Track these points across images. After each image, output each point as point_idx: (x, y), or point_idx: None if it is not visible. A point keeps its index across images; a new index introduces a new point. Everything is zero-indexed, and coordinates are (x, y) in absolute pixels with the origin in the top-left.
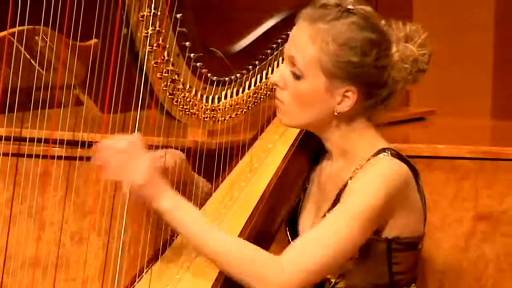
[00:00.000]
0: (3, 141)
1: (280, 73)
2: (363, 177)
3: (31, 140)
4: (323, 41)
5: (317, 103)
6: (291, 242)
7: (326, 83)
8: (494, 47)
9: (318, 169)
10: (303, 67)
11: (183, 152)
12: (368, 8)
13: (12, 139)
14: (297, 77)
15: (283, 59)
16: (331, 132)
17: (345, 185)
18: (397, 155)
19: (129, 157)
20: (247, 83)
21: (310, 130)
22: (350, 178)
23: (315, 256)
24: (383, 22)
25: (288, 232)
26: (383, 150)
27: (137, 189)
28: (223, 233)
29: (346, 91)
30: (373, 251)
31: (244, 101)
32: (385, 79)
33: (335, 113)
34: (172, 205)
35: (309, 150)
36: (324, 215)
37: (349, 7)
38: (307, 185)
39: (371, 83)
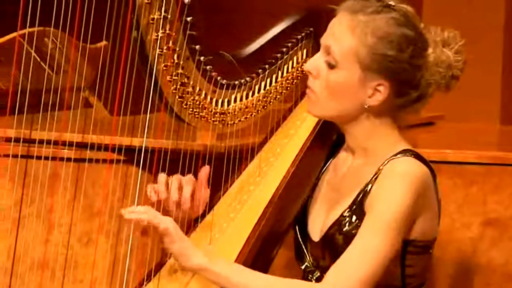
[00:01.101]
0: (12, 142)
1: (314, 62)
2: (387, 182)
3: (40, 142)
4: (362, 32)
5: (349, 94)
6: (300, 242)
7: (360, 75)
8: (504, 52)
9: (331, 169)
10: (339, 56)
11: (192, 155)
12: (409, 8)
13: (21, 141)
14: (331, 66)
15: (292, 63)
16: (356, 126)
17: (366, 186)
18: (418, 157)
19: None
20: (256, 87)
21: (336, 122)
22: (372, 180)
23: (359, 276)
24: (422, 25)
25: (297, 232)
26: (404, 151)
27: (167, 246)
28: (261, 274)
29: (379, 84)
30: None
31: (254, 105)
32: (418, 79)
33: (365, 106)
34: (205, 261)
35: (319, 153)
36: (343, 215)
37: (391, 3)
38: (317, 183)
39: (404, 80)
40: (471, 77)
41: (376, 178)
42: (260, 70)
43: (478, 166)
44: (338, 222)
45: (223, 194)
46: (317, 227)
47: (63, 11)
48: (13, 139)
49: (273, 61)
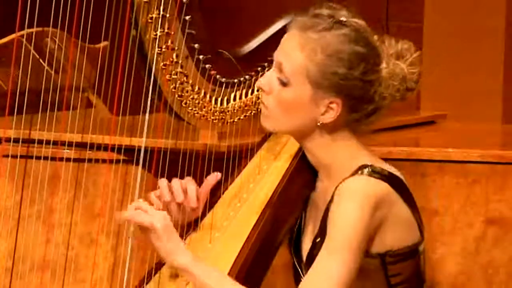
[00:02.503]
0: (12, 143)
1: (267, 78)
2: (339, 204)
3: (40, 142)
4: (311, 50)
5: (301, 112)
6: (296, 265)
7: (311, 93)
8: (505, 51)
9: (316, 188)
10: (290, 74)
11: (192, 155)
12: (361, 22)
13: (21, 141)
14: (283, 83)
15: None
16: (312, 142)
17: (327, 206)
18: (376, 172)
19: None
20: (256, 85)
21: (293, 137)
22: (330, 200)
23: None
24: (375, 37)
25: (292, 254)
26: (364, 166)
27: (153, 242)
28: (236, 284)
29: (331, 102)
30: (367, 269)
31: (253, 103)
32: (372, 94)
33: (318, 124)
34: (188, 262)
35: None
36: (316, 237)
37: (342, 19)
38: (307, 203)
39: (357, 96)
40: (473, 77)
41: (332, 199)
42: (259, 68)
43: (481, 165)
44: (315, 243)
45: (223, 193)
46: (307, 247)
47: (62, 11)
48: (12, 139)
49: (272, 59)
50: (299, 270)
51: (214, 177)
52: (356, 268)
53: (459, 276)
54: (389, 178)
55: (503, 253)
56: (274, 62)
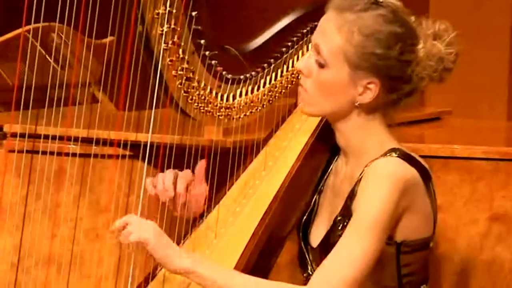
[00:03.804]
0: (18, 138)
1: (305, 61)
2: (368, 184)
3: (46, 137)
4: (349, 31)
5: (339, 93)
6: (304, 249)
7: (350, 74)
8: (510, 49)
9: (333, 174)
10: (328, 56)
11: (198, 151)
12: (397, 3)
13: (27, 136)
14: (321, 65)
15: (298, 58)
16: (347, 123)
17: (353, 188)
18: (406, 157)
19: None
20: (262, 81)
21: (329, 120)
22: (358, 181)
23: (342, 278)
24: (412, 18)
25: (301, 239)
26: (392, 150)
27: (151, 252)
28: (245, 276)
29: (369, 83)
30: (381, 256)
31: (259, 99)
32: (409, 75)
33: (356, 104)
34: (190, 263)
35: (324, 149)
36: (337, 219)
37: None
38: (322, 189)
39: (395, 77)
40: (478, 73)
41: (361, 179)
42: (265, 65)
43: (486, 162)
44: (334, 227)
45: (228, 189)
46: (319, 233)
47: (68, 6)
48: (18, 134)
49: (279, 55)
50: (306, 255)
51: (200, 166)
52: (379, 250)
53: (462, 272)
54: (417, 165)
55: (507, 250)
56: (311, 45)
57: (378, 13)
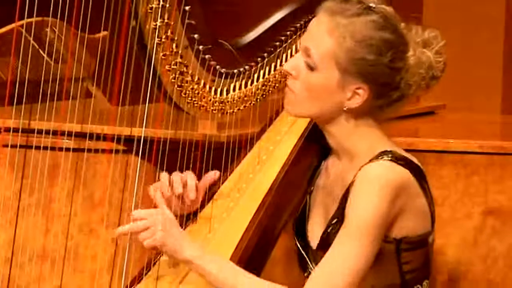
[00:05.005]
0: (11, 132)
1: (293, 62)
2: (360, 188)
3: (40, 132)
4: (340, 36)
5: (327, 96)
6: (301, 250)
7: (339, 78)
8: (505, 42)
9: (324, 173)
10: (318, 59)
11: (192, 145)
12: (389, 9)
13: (20, 131)
14: (311, 68)
15: (291, 52)
16: (335, 126)
17: (346, 190)
18: (398, 159)
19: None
20: (255, 76)
21: (317, 122)
22: (351, 184)
23: (335, 283)
24: (402, 25)
25: (297, 241)
26: (384, 153)
27: (158, 243)
28: (247, 274)
29: (358, 88)
30: (382, 254)
31: (253, 93)
32: (398, 82)
33: (344, 108)
34: (195, 254)
35: (317, 144)
36: (333, 219)
37: (371, 5)
38: (312, 189)
39: (384, 83)
40: (472, 67)
41: (353, 183)
42: (259, 59)
43: (481, 156)
44: (331, 228)
45: (222, 183)
46: (316, 234)
47: (62, 1)
48: (12, 129)
49: (272, 49)
50: (305, 255)
51: (213, 175)
52: (373, 254)
53: (457, 266)
54: (410, 166)
55: (502, 243)
56: (300, 47)
57: (370, 19)
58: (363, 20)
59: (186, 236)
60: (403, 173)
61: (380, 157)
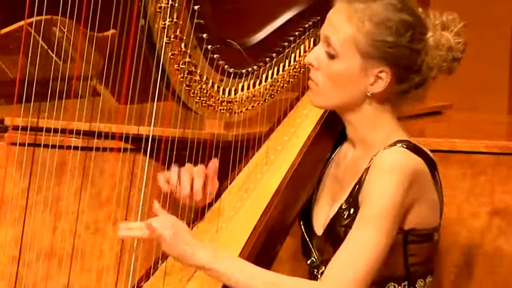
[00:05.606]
0: (20, 131)
1: (314, 53)
2: (375, 175)
3: (48, 130)
4: (359, 20)
5: (351, 83)
6: (306, 237)
7: (361, 63)
8: (511, 42)
9: (335, 162)
10: (338, 46)
11: (199, 144)
12: None
13: (29, 129)
14: (332, 56)
15: (300, 52)
16: (358, 115)
17: (360, 177)
18: (412, 148)
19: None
20: (264, 76)
21: (339, 112)
22: (366, 171)
23: (355, 271)
24: (420, 9)
25: (302, 228)
26: (398, 142)
27: (167, 250)
28: (262, 270)
29: (380, 71)
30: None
31: (261, 93)
32: (419, 64)
33: (368, 94)
34: (206, 260)
35: (326, 143)
36: (341, 207)
37: None
38: (321, 178)
39: (405, 66)
40: (479, 67)
41: (368, 169)
42: (267, 59)
43: (487, 156)
44: (338, 215)
45: (230, 183)
46: (321, 221)
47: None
48: (20, 127)
49: (281, 49)
50: (308, 242)
51: (213, 165)
52: (391, 241)
53: (463, 266)
54: (425, 156)
55: (508, 244)
56: (321, 37)
57: (387, 2)
58: (380, 3)
59: (195, 241)
60: (418, 162)
61: (395, 145)
